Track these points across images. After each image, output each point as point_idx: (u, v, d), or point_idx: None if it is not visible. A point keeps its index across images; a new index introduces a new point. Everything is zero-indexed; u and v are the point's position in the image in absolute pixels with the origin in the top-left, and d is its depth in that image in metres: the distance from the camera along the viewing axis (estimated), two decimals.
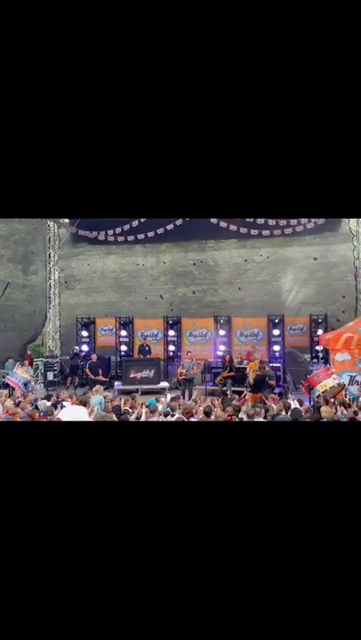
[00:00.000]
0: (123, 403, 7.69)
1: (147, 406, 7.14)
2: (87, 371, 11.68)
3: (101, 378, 11.57)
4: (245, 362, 11.78)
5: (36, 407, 7.28)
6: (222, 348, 12.67)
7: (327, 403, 6.83)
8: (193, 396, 9.56)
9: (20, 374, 9.89)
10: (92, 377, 11.50)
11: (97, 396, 7.87)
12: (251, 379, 9.45)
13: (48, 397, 8.06)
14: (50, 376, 13.10)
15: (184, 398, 10.13)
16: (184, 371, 10.98)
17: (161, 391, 11.96)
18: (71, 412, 6.16)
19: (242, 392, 9.83)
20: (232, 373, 10.98)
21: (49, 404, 7.45)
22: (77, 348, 13.63)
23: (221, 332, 13.11)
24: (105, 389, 10.83)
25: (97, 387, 8.26)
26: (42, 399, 8.10)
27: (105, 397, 7.91)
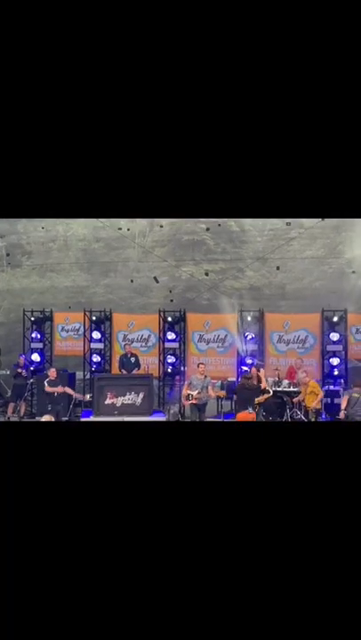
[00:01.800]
0: None
1: None
2: (47, 387, 11.32)
3: (74, 393, 11.58)
4: (286, 382, 11.42)
5: None
6: (250, 361, 12.27)
7: None
8: None
9: None
10: (59, 390, 11.36)
11: None
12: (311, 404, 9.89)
13: None
14: None
15: None
16: (194, 393, 10.48)
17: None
18: None
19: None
20: (268, 395, 10.52)
21: None
22: (23, 358, 13.23)
23: (249, 336, 12.70)
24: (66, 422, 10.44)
25: (46, 417, 7.79)
26: None
27: None
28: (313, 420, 10.02)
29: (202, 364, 11.31)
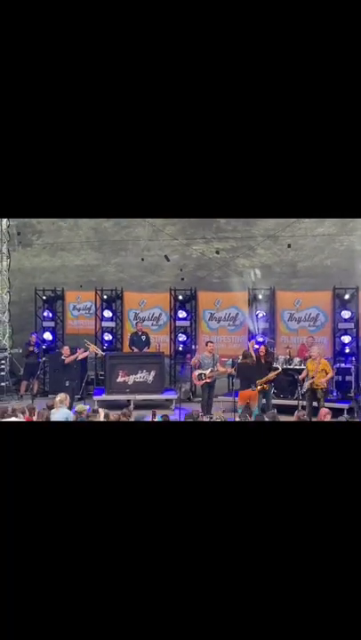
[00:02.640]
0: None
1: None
2: (65, 360, 11.29)
3: (94, 348, 11.58)
4: (297, 360, 11.42)
5: None
6: (260, 339, 12.27)
7: None
8: (212, 414, 9.21)
9: None
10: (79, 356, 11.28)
11: (61, 410, 7.52)
12: (308, 383, 9.74)
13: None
14: None
15: (205, 414, 9.71)
16: (206, 372, 10.52)
17: (165, 404, 11.69)
18: None
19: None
20: (279, 372, 10.54)
21: None
22: (35, 336, 13.32)
23: (260, 314, 12.69)
24: (79, 399, 10.56)
25: (61, 395, 7.86)
26: None
27: (80, 412, 7.54)
28: (321, 399, 9.95)
29: (210, 342, 11.30)
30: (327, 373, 10.18)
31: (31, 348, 13.10)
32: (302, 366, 10.92)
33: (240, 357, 10.37)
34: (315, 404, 9.91)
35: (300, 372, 10.82)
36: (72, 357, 11.18)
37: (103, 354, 12.07)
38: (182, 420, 8.12)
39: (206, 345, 11.24)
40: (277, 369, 10.60)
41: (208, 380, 10.54)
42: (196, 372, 10.77)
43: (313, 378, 9.96)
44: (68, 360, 11.18)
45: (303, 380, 10.19)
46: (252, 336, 12.64)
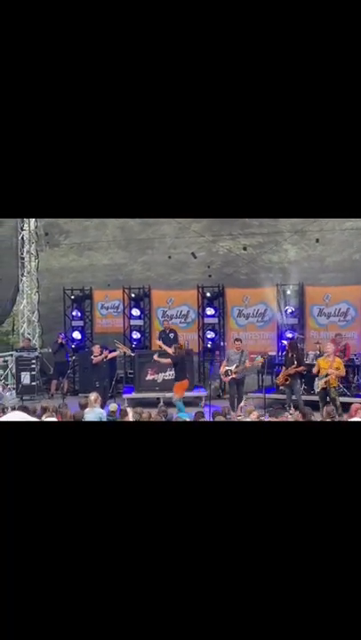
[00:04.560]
0: (139, 420, 7.34)
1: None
2: (94, 360, 11.33)
3: (123, 347, 11.73)
4: (325, 354, 11.29)
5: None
6: (290, 335, 12.22)
7: None
8: (242, 408, 9.16)
9: None
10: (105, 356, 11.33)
11: (95, 410, 7.59)
12: (323, 382, 9.63)
13: (23, 410, 7.77)
14: (25, 378, 13.15)
15: (234, 410, 9.70)
16: (232, 368, 10.51)
17: (195, 402, 11.72)
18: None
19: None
20: (301, 368, 10.45)
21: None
22: (62, 336, 13.45)
23: (289, 310, 12.63)
24: (110, 397, 10.65)
25: (94, 394, 7.94)
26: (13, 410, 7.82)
27: (113, 412, 7.62)
28: (336, 398, 9.60)
29: (238, 340, 11.22)
30: (338, 370, 9.87)
31: (59, 340, 13.22)
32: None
33: (174, 349, 10.69)
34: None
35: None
36: (100, 358, 11.24)
37: (133, 353, 12.11)
38: (209, 417, 8.12)
39: (234, 342, 11.23)
40: (298, 364, 10.47)
41: (234, 376, 10.53)
42: (224, 369, 10.78)
43: (328, 376, 9.67)
44: (95, 360, 11.25)
45: (315, 376, 9.99)
46: (281, 332, 12.60)
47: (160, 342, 11.51)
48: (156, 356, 11.33)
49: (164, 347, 11.11)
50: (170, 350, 10.70)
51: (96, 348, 11.62)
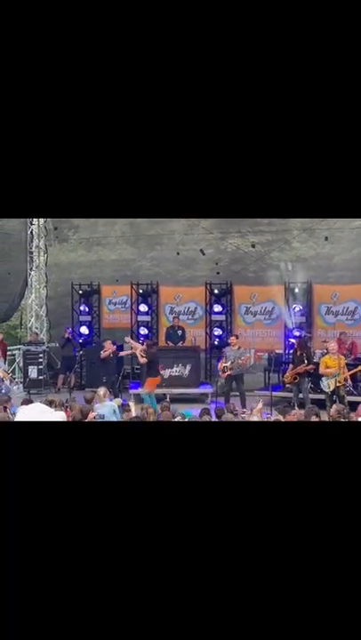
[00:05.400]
0: (145, 415, 7.36)
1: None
2: (103, 353, 11.14)
3: (132, 343, 11.36)
4: (325, 352, 11.30)
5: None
6: (297, 333, 12.22)
7: None
8: (249, 407, 9.17)
9: None
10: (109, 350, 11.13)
11: (106, 405, 7.63)
12: (333, 381, 9.49)
13: (27, 404, 7.81)
14: (33, 372, 13.22)
15: (240, 407, 9.71)
16: (228, 364, 10.59)
17: (201, 398, 11.75)
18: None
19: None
20: (310, 367, 10.45)
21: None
22: (69, 330, 13.49)
23: (296, 308, 12.63)
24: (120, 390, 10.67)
25: (102, 390, 7.97)
26: (20, 405, 7.87)
27: (118, 406, 7.66)
28: (344, 396, 9.51)
29: (234, 337, 11.28)
30: (342, 369, 9.76)
31: (66, 335, 13.27)
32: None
33: (147, 346, 10.71)
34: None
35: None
36: (107, 353, 11.24)
37: (145, 356, 11.91)
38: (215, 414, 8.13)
39: (230, 338, 11.36)
40: (308, 363, 10.46)
41: (230, 372, 10.59)
42: (221, 366, 10.87)
43: (336, 375, 9.57)
44: (103, 355, 11.25)
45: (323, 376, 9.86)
46: (288, 331, 12.60)
47: (128, 338, 11.59)
48: (127, 338, 11.56)
49: (133, 343, 11.20)
50: (138, 349, 10.66)
51: (108, 344, 11.54)
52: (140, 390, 10.69)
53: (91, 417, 6.89)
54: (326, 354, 11.19)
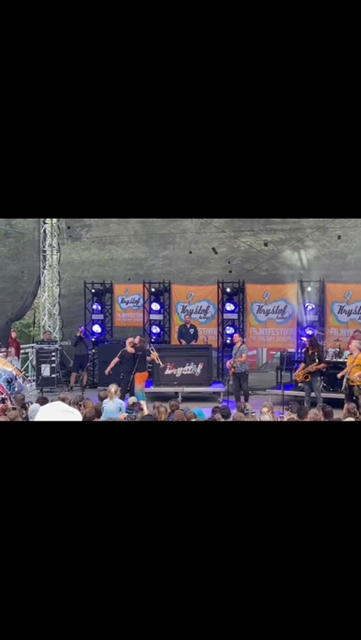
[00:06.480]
0: (157, 413, 7.39)
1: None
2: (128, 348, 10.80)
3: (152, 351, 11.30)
4: (347, 353, 11.28)
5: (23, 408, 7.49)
6: (310, 332, 12.19)
7: None
8: (255, 407, 9.14)
9: (1, 367, 10.03)
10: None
11: (115, 401, 7.67)
12: (354, 376, 9.42)
13: (42, 402, 7.88)
14: (45, 370, 13.29)
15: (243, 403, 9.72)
16: (231, 361, 10.77)
17: (213, 396, 11.77)
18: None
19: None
20: (321, 365, 10.43)
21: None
22: (81, 329, 13.54)
23: (309, 307, 12.59)
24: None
25: (113, 386, 8.00)
26: (34, 403, 7.95)
27: (132, 404, 7.69)
28: (359, 396, 9.45)
29: (236, 335, 11.57)
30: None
31: (78, 334, 13.30)
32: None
33: (138, 341, 10.87)
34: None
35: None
36: (111, 366, 10.86)
37: (162, 363, 11.62)
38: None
39: (234, 336, 11.58)
40: (319, 362, 10.45)
41: (233, 370, 10.84)
42: (229, 364, 11.14)
43: (348, 373, 9.55)
44: (108, 370, 10.85)
45: (342, 376, 9.86)
46: (301, 329, 12.58)
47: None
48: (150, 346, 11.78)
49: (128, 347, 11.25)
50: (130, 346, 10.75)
51: (130, 340, 11.13)
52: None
53: (121, 418, 6.92)
54: (341, 353, 11.23)
